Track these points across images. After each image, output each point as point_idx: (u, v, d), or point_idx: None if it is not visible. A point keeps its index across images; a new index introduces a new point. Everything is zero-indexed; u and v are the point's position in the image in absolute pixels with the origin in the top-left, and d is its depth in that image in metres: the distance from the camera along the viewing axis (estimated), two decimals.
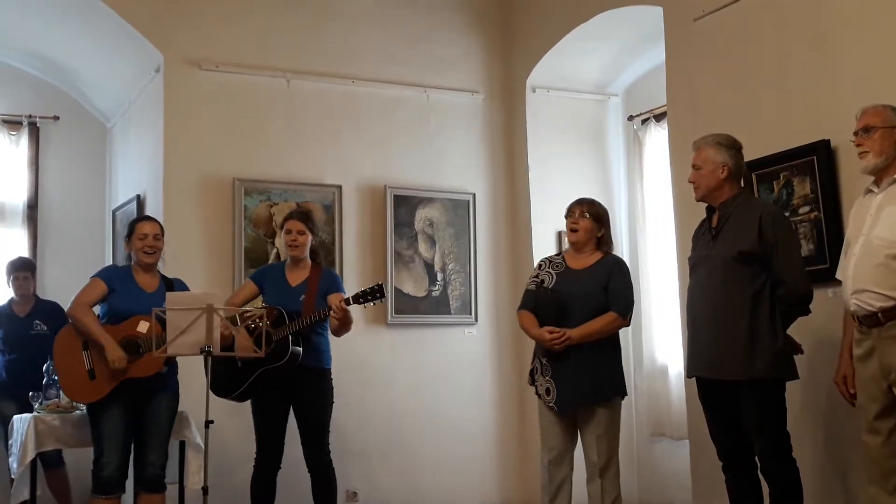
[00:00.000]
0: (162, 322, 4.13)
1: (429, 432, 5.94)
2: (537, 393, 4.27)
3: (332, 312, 4.36)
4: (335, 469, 4.58)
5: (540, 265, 4.41)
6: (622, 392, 4.21)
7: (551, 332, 4.09)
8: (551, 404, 4.17)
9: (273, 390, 4.46)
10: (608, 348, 4.17)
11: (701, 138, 3.87)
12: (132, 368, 4.29)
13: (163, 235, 4.56)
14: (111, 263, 4.57)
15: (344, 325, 4.50)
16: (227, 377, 4.45)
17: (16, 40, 6.31)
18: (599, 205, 4.33)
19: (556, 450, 4.19)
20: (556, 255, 4.44)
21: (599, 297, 4.14)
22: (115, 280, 4.46)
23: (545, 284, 4.27)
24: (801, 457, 3.68)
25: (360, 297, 4.43)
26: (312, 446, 4.50)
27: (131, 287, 4.45)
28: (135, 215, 5.76)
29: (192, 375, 4.49)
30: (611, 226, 4.37)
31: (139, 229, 4.50)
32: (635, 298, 6.02)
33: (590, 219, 4.24)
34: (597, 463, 4.09)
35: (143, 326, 4.31)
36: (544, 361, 4.21)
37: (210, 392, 4.29)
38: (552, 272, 4.30)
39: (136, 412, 4.37)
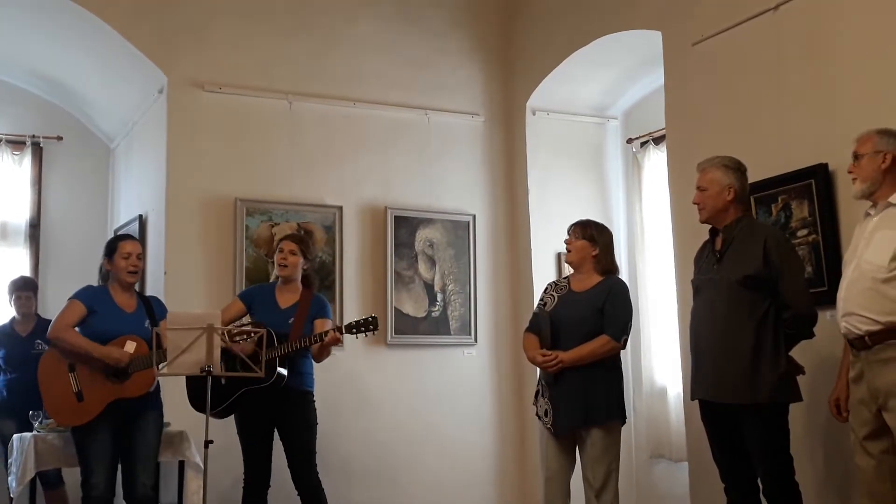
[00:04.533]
0: (149, 341, 4.13)
1: (428, 453, 5.93)
2: (537, 414, 4.28)
3: (325, 340, 4.35)
4: (329, 489, 4.55)
5: (546, 288, 4.44)
6: (620, 416, 4.17)
7: (544, 355, 4.14)
8: (548, 426, 4.19)
9: (256, 410, 4.45)
10: (606, 371, 4.15)
11: (706, 160, 3.89)
12: (122, 389, 4.27)
13: (144, 255, 4.54)
14: (87, 284, 4.52)
15: (325, 352, 4.51)
16: (210, 393, 4.45)
17: (21, 61, 6.37)
18: (595, 225, 4.34)
19: (553, 469, 4.20)
20: (564, 277, 4.46)
21: (594, 320, 4.14)
22: (94, 301, 4.38)
23: (546, 307, 4.30)
24: (802, 478, 3.69)
25: (353, 328, 4.42)
26: (299, 469, 4.48)
27: (111, 307, 4.39)
28: (136, 235, 5.78)
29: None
30: (612, 246, 4.36)
31: (122, 248, 4.42)
32: (635, 320, 6.09)
33: (582, 239, 4.27)
34: (593, 485, 4.09)
35: (129, 346, 4.28)
36: (543, 383, 4.24)
37: (190, 405, 4.30)
38: (555, 294, 4.33)
39: (122, 432, 4.33)
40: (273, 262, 5.57)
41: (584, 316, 4.15)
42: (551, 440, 4.21)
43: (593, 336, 4.11)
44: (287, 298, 4.64)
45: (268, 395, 4.38)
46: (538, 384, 4.32)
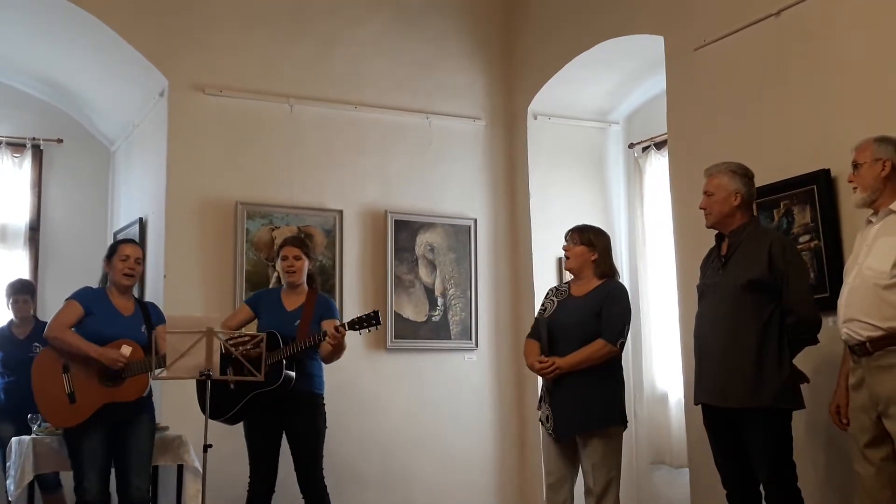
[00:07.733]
0: (145, 346, 4.10)
1: (428, 459, 5.91)
2: (540, 419, 4.27)
3: (327, 338, 4.35)
4: (331, 495, 4.53)
5: (548, 293, 4.44)
6: (620, 421, 4.15)
7: (541, 362, 4.13)
8: (550, 431, 4.17)
9: (265, 414, 4.44)
10: (604, 376, 4.13)
11: (714, 165, 3.88)
12: (115, 393, 4.25)
13: (143, 260, 4.54)
14: (85, 286, 4.50)
15: (337, 352, 4.49)
16: (218, 399, 4.43)
17: (22, 63, 6.37)
18: (593, 230, 4.33)
19: (555, 475, 4.19)
20: (565, 282, 4.45)
21: (590, 324, 4.12)
22: (91, 302, 4.38)
23: (546, 313, 4.29)
24: (803, 484, 3.67)
25: (356, 324, 4.41)
26: (306, 473, 4.47)
27: (109, 310, 4.39)
28: (137, 238, 5.78)
29: (191, 399, 4.48)
30: (610, 250, 4.35)
31: (121, 250, 4.45)
32: (635, 325, 6.09)
33: (581, 245, 4.26)
34: (593, 490, 4.07)
35: (125, 350, 4.26)
36: (545, 389, 4.23)
37: (201, 411, 4.29)
38: (555, 300, 4.32)
39: (115, 436, 4.31)
40: (273, 266, 5.61)
41: (582, 320, 4.14)
42: (553, 446, 4.19)
43: (590, 340, 4.09)
44: (293, 301, 4.63)
45: (277, 399, 4.38)
46: (541, 389, 4.31)
